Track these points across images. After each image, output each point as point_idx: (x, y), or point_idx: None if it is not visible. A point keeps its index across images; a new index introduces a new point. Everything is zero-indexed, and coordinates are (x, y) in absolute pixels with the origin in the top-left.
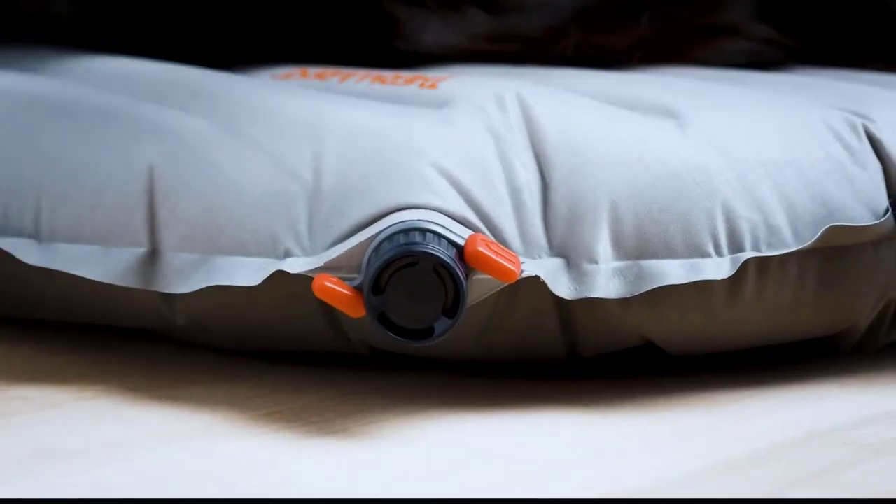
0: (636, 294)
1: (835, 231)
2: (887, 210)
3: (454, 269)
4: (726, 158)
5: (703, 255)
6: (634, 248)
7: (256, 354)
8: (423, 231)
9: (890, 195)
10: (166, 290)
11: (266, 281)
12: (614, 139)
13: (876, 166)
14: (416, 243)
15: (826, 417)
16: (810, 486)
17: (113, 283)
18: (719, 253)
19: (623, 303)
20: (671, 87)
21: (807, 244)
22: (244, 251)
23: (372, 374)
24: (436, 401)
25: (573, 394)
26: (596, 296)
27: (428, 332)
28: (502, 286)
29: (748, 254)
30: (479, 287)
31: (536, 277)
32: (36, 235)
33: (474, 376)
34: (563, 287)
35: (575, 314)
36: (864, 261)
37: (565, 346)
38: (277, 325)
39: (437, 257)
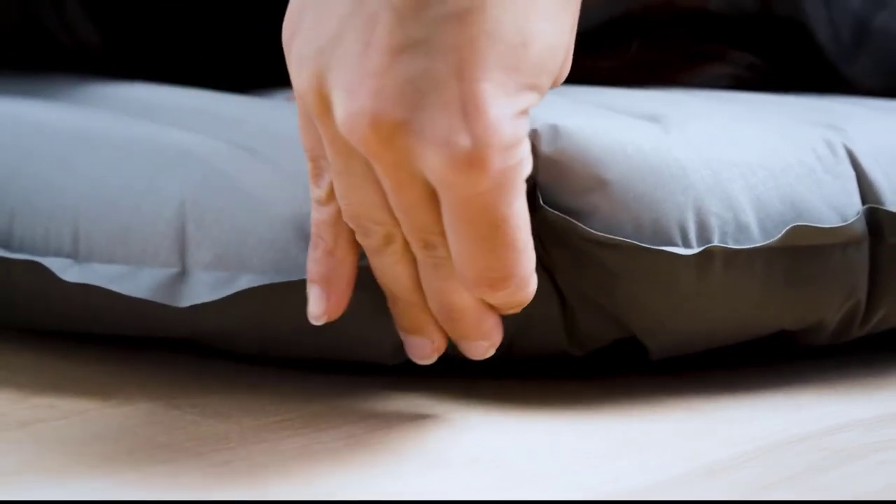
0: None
1: (799, 231)
2: (858, 214)
3: None
4: (702, 157)
5: (671, 244)
6: (603, 230)
7: (269, 364)
8: None
9: (864, 202)
10: (193, 303)
11: (296, 294)
12: (599, 130)
13: (848, 175)
14: None
15: (803, 424)
16: (786, 489)
17: (145, 298)
18: (688, 245)
19: (606, 288)
20: (657, 98)
21: (771, 241)
22: (277, 269)
23: (376, 383)
24: (436, 408)
25: (566, 400)
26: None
27: None
28: None
29: (715, 244)
30: None
31: None
32: (74, 255)
33: (473, 384)
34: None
35: (570, 300)
36: (831, 262)
37: (565, 333)
38: (303, 335)
39: None
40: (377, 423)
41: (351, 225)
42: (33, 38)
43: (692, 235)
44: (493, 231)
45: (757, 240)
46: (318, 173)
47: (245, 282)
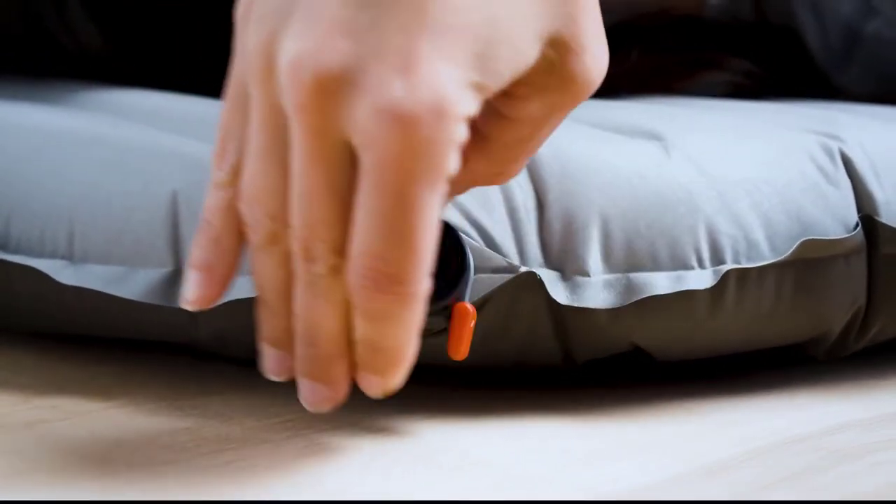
0: (625, 304)
1: (809, 244)
2: (857, 225)
3: (457, 234)
4: (707, 178)
5: (687, 267)
6: (623, 261)
7: None
8: None
9: (860, 210)
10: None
11: None
12: (603, 161)
13: (847, 184)
14: None
15: (799, 425)
16: (784, 489)
17: (140, 300)
18: (702, 266)
19: (613, 312)
20: (656, 113)
21: (783, 257)
22: None
23: None
24: (437, 410)
25: (565, 403)
26: (588, 306)
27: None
28: (505, 280)
29: (729, 265)
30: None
31: (532, 291)
32: (70, 257)
33: (473, 388)
34: (559, 294)
35: (568, 324)
36: (836, 272)
37: (560, 353)
38: None
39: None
40: (377, 426)
41: (243, 211)
42: (34, 39)
43: (706, 256)
44: (401, 212)
45: (767, 256)
46: (223, 154)
47: (234, 285)
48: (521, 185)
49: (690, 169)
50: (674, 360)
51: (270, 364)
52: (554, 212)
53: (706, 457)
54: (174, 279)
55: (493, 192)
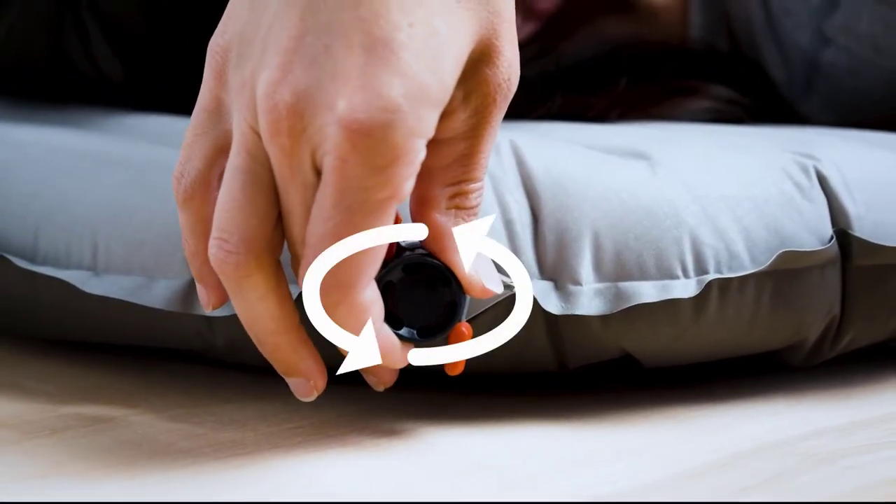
0: (614, 311)
1: (787, 256)
2: (832, 238)
3: (447, 271)
4: (691, 193)
5: (673, 276)
6: (613, 271)
7: (279, 376)
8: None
9: (834, 224)
10: (205, 314)
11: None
12: (595, 178)
13: (822, 200)
14: (415, 257)
15: (777, 431)
16: (762, 492)
17: (160, 308)
18: (686, 275)
19: (603, 319)
20: (643, 135)
21: (762, 267)
22: None
23: (382, 393)
24: (439, 415)
25: (560, 409)
26: (580, 313)
27: (437, 329)
28: (502, 297)
29: (712, 275)
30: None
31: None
32: (93, 268)
33: (473, 394)
34: (552, 305)
35: (561, 331)
36: (811, 282)
37: (554, 359)
38: None
39: (435, 264)
40: (382, 431)
41: (214, 247)
42: (60, 68)
43: (690, 266)
44: (350, 215)
45: (748, 266)
46: (179, 178)
47: None
48: (516, 200)
49: (676, 184)
50: (660, 366)
51: (296, 390)
52: (548, 225)
53: (689, 461)
54: (192, 288)
55: (490, 206)
